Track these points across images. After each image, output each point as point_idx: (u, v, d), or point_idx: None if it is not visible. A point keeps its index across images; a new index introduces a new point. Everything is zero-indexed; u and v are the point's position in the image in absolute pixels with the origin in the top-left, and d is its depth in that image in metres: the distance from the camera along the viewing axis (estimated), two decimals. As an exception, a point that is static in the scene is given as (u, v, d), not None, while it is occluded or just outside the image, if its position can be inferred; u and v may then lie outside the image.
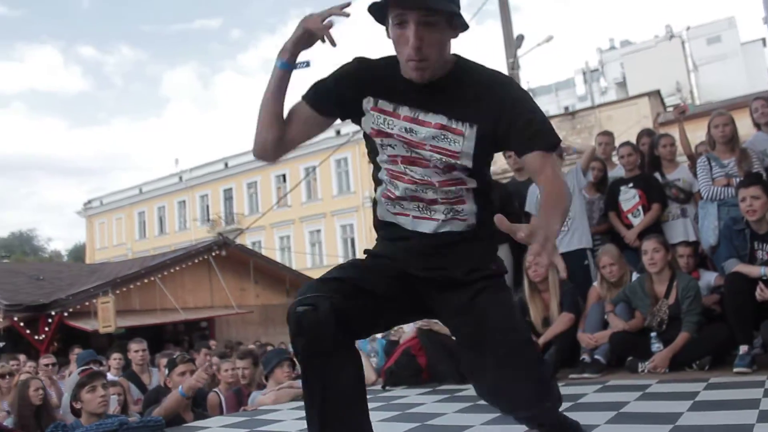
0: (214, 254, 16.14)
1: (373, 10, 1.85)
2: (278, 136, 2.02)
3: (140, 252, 31.83)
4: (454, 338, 2.31)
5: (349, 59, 2.03)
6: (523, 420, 2.22)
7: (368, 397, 4.12)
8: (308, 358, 1.86)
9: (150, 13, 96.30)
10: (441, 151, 1.92)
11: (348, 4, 1.99)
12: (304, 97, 2.02)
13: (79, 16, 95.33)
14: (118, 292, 14.09)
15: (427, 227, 2.02)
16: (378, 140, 2.00)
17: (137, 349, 6.73)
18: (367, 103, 1.98)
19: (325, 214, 31.66)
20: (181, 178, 37.70)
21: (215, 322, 16.32)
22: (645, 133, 6.52)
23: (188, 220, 37.09)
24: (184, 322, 15.45)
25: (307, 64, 2.06)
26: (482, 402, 2.99)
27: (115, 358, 7.14)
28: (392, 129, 1.94)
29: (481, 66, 1.99)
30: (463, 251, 2.03)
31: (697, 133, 5.95)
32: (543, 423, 2.17)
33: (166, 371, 5.07)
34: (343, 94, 1.98)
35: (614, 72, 47.09)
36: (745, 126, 5.45)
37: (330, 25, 1.96)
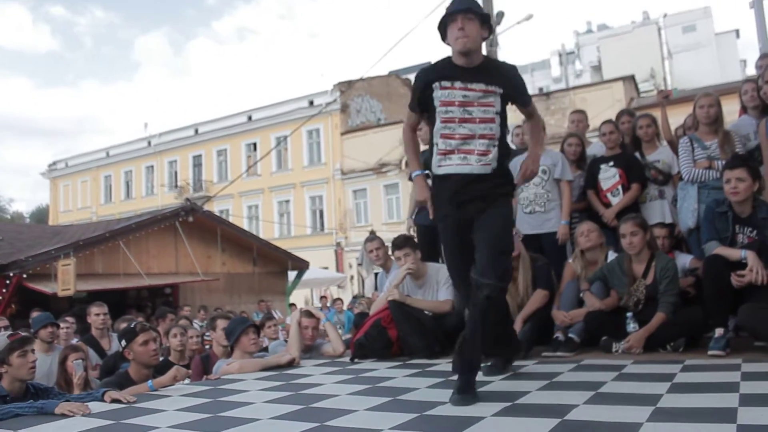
0: (180, 220, 15.80)
1: (440, 27, 3.26)
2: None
3: (105, 216, 31.18)
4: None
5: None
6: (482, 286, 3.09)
7: (336, 369, 4.02)
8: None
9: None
10: (485, 104, 3.21)
11: None
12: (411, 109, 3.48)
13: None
14: (80, 255, 13.70)
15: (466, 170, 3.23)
16: (442, 108, 3.22)
17: (98, 313, 6.52)
18: (435, 87, 3.23)
19: (294, 185, 31.39)
20: (149, 143, 37.08)
21: (180, 288, 16.01)
22: (626, 112, 6.45)
23: (156, 186, 36.57)
24: (148, 287, 15.12)
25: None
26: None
27: (67, 322, 6.87)
28: (454, 97, 3.20)
29: (499, 60, 3.55)
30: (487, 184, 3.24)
31: (670, 119, 5.89)
32: (489, 296, 3.08)
33: (123, 342, 4.50)
34: (422, 93, 3.32)
35: (590, 55, 47.26)
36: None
37: None
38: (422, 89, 3.29)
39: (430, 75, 3.27)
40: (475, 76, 3.19)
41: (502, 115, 3.26)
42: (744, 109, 5.36)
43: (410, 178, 3.56)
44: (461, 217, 3.27)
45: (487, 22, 3.23)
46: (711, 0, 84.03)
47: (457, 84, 3.19)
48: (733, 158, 4.44)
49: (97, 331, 6.50)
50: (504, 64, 3.41)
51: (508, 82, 3.26)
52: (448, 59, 3.27)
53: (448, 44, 3.24)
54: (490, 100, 3.20)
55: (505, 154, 3.35)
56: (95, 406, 3.29)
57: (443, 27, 3.24)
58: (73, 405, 3.16)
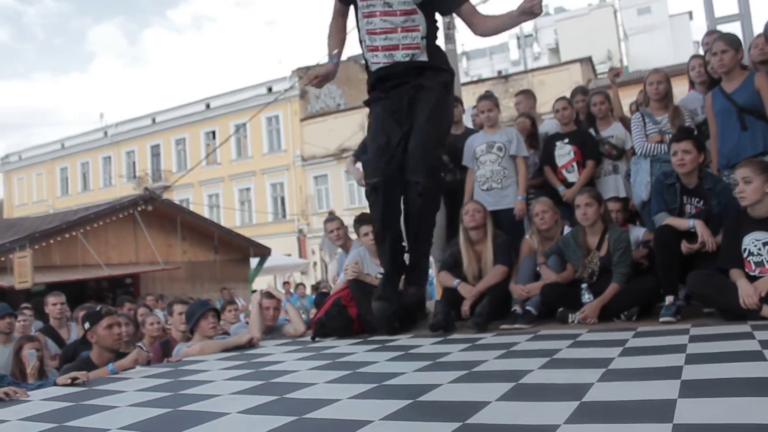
0: (139, 209, 15.63)
1: None
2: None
3: (62, 209, 30.60)
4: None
5: None
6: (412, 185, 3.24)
7: (297, 348, 4.04)
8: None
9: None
10: (407, 11, 3.21)
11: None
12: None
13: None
14: (36, 247, 13.49)
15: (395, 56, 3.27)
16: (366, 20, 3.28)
17: (55, 302, 6.44)
18: None
19: (255, 172, 31.19)
20: (106, 134, 36.45)
21: (140, 278, 15.87)
22: (579, 90, 6.54)
23: (114, 177, 35.98)
24: (108, 278, 14.97)
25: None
26: (414, 351, 2.96)
27: (24, 314, 6.77)
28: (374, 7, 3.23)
29: None
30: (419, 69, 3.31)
31: (626, 100, 6.02)
32: (421, 193, 3.21)
33: (86, 325, 4.47)
34: None
35: (548, 38, 47.64)
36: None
37: None
38: None
39: None
40: None
41: (427, 12, 3.28)
42: (692, 85, 5.49)
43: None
44: (390, 101, 3.34)
45: None
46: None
47: None
48: (679, 131, 4.57)
49: (55, 321, 6.42)
50: None
51: None
52: None
53: None
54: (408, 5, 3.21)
55: (436, 51, 3.37)
56: (55, 391, 3.26)
57: None
58: (9, 389, 3.11)
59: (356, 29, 3.46)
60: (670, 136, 4.88)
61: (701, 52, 5.66)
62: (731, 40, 4.66)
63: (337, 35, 3.54)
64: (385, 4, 3.21)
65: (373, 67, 3.38)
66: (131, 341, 5.54)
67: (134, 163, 35.33)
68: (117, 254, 15.48)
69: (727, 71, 4.60)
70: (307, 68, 28.02)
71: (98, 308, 4.62)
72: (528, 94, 6.67)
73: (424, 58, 3.28)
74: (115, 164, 36.12)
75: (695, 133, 4.71)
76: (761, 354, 2.59)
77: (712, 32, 5.75)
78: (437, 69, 3.36)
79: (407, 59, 3.28)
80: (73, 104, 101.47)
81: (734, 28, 6.70)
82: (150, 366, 4.17)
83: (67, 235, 14.37)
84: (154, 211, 16.03)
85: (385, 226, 3.41)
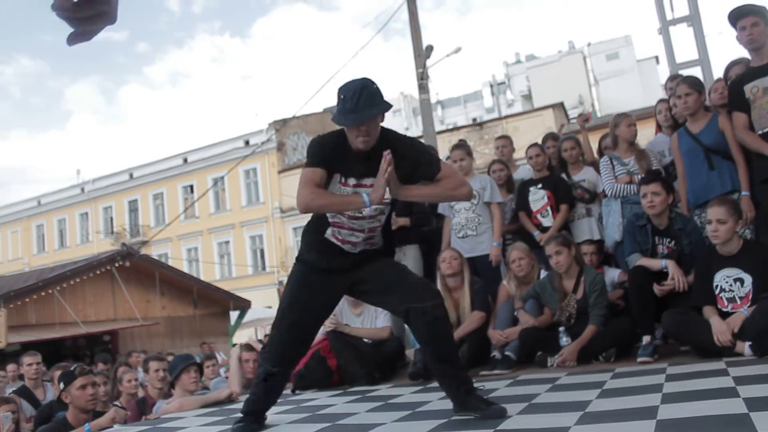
0: (117, 265, 15.51)
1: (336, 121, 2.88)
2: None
3: (39, 267, 30.24)
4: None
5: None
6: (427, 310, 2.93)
7: (279, 401, 4.01)
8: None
9: (52, 23, 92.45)
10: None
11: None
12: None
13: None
14: (11, 306, 13.30)
15: (353, 249, 3.09)
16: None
17: (30, 363, 6.33)
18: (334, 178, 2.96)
19: (233, 225, 31.06)
20: (83, 189, 36.22)
21: (119, 335, 15.64)
22: (550, 136, 6.66)
23: (91, 233, 35.62)
24: (86, 335, 14.74)
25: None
26: (394, 401, 2.96)
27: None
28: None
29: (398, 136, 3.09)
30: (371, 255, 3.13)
31: (597, 144, 6.16)
32: (438, 316, 2.94)
33: (61, 385, 4.38)
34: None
35: (520, 85, 48.57)
36: (642, 137, 5.64)
37: None
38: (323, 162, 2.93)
39: (326, 152, 2.94)
40: (373, 170, 2.85)
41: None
42: (659, 128, 5.64)
43: (369, 205, 2.91)
44: (335, 281, 3.14)
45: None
46: (631, 28, 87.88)
47: (351, 181, 2.95)
48: (648, 174, 4.68)
49: (31, 381, 6.30)
50: (403, 142, 3.03)
51: (410, 164, 2.94)
52: (343, 140, 2.93)
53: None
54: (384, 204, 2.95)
55: (388, 231, 3.21)
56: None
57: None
58: None
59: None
60: (638, 176, 4.99)
61: (666, 96, 5.82)
62: (694, 83, 4.80)
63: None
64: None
65: (329, 239, 3.17)
66: (109, 400, 5.44)
67: (112, 218, 35.06)
68: (94, 311, 15.29)
69: (692, 113, 4.72)
70: (284, 121, 28.32)
71: (72, 368, 4.50)
72: (509, 140, 6.77)
73: (380, 244, 3.19)
74: (92, 220, 35.83)
75: (663, 174, 4.82)
76: (735, 390, 2.62)
77: (674, 77, 5.93)
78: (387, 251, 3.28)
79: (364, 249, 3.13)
80: (50, 162, 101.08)
81: (695, 72, 6.92)
82: (127, 425, 4.10)
83: (43, 293, 14.19)
84: (132, 266, 15.92)
85: None
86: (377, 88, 2.88)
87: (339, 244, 3.08)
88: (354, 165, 2.92)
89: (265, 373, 3.23)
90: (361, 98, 2.78)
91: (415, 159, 2.96)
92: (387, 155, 2.74)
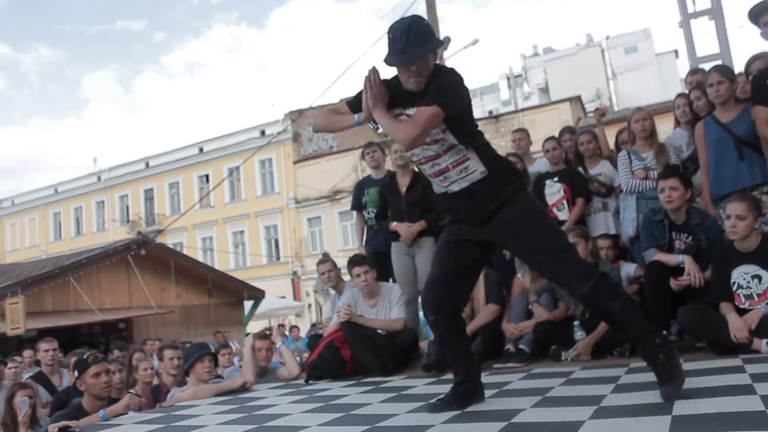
0: (132, 253, 15.62)
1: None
2: None
3: (55, 254, 30.50)
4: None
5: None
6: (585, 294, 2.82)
7: (290, 390, 4.03)
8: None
9: (71, 13, 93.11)
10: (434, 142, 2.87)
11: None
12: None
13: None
14: (29, 292, 13.44)
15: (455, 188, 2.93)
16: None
17: (47, 349, 6.40)
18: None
19: (248, 215, 31.19)
20: (99, 178, 36.47)
21: (134, 322, 15.77)
22: (567, 129, 6.61)
23: (107, 221, 35.91)
24: (101, 323, 14.87)
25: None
26: (407, 392, 2.96)
27: (15, 361, 6.72)
28: None
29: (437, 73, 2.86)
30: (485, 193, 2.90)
31: (614, 138, 6.11)
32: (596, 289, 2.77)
33: (76, 373, 4.45)
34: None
35: (537, 78, 48.28)
36: (660, 131, 5.59)
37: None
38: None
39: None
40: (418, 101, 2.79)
41: (464, 131, 2.90)
42: (678, 123, 5.59)
43: (358, 123, 2.95)
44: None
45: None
46: (650, 21, 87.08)
47: (397, 111, 2.87)
48: (666, 168, 4.63)
49: (47, 368, 6.37)
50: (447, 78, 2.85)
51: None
52: (395, 80, 2.86)
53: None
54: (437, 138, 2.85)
55: (491, 160, 2.95)
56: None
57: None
58: None
59: None
60: (655, 171, 4.94)
61: (686, 90, 5.76)
62: (726, 71, 4.74)
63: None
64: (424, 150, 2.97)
65: (439, 191, 3.11)
66: (125, 387, 5.50)
67: (127, 207, 35.31)
68: (110, 299, 15.42)
69: (723, 102, 4.64)
70: (300, 111, 28.33)
71: (85, 356, 4.49)
72: (526, 132, 6.73)
73: (485, 174, 2.97)
74: (108, 208, 36.10)
75: (681, 170, 4.78)
76: (752, 388, 2.60)
77: (695, 71, 5.88)
78: (506, 182, 3.03)
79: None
80: (67, 150, 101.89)
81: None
82: (142, 411, 4.14)
83: (59, 281, 14.32)
84: (148, 255, 16.02)
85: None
86: (427, 25, 2.81)
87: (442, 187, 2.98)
88: (403, 95, 2.85)
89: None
90: (410, 36, 2.69)
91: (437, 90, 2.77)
92: (372, 73, 2.73)
